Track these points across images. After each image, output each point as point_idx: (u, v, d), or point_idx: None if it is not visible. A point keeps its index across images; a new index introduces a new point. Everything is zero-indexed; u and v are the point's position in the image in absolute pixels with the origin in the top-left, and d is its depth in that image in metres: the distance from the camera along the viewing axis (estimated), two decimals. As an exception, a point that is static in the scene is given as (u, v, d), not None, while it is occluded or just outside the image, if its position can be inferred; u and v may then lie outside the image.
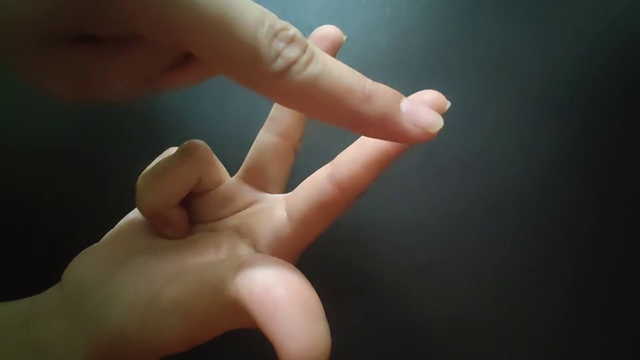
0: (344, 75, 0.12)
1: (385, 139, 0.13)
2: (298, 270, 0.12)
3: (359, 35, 0.27)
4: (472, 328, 0.25)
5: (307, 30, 0.17)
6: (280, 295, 0.10)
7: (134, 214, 0.19)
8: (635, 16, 0.26)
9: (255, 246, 0.17)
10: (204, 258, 0.16)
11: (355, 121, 0.12)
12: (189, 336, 0.13)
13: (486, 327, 0.25)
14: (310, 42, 0.16)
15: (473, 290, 0.25)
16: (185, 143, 0.17)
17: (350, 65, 0.12)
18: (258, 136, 0.19)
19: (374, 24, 0.27)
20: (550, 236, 0.25)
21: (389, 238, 0.26)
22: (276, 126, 0.19)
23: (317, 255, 0.25)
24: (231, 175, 0.20)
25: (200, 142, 0.18)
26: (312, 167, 0.16)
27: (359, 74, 0.12)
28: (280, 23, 0.11)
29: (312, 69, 0.11)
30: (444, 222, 0.26)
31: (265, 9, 0.11)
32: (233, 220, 0.18)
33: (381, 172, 0.14)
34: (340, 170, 0.14)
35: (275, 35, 0.11)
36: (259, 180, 0.19)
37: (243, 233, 0.17)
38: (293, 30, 0.12)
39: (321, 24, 0.17)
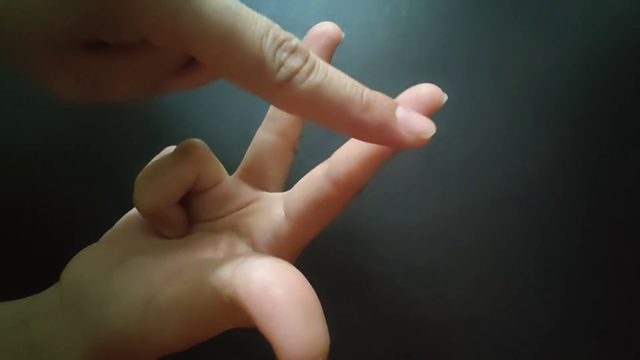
0: (343, 84, 0.12)
1: (382, 145, 0.13)
2: (297, 270, 0.12)
3: (359, 35, 0.27)
4: (471, 327, 0.25)
5: (306, 30, 0.17)
6: (278, 295, 0.10)
7: (133, 213, 0.19)
8: (634, 16, 0.25)
9: (253, 245, 0.17)
10: (202, 257, 0.16)
11: (355, 128, 0.12)
12: (188, 335, 0.13)
13: (485, 327, 0.25)
14: (308, 39, 0.17)
15: (472, 290, 0.25)
16: (184, 142, 0.17)
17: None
18: (256, 135, 0.19)
19: (373, 23, 0.27)
20: (549, 236, 0.25)
21: (389, 238, 0.26)
22: (274, 125, 0.19)
23: (317, 254, 0.25)
24: (230, 175, 0.19)
25: (198, 140, 0.18)
26: (311, 165, 0.16)
27: (357, 82, 0.13)
28: (283, 34, 0.12)
29: (314, 79, 0.12)
30: (443, 222, 0.26)
31: (269, 20, 0.12)
32: (231, 219, 0.18)
33: (378, 169, 0.14)
34: (337, 168, 0.14)
35: (279, 45, 0.12)
36: (258, 179, 0.19)
37: (241, 232, 0.17)
38: (295, 41, 0.12)
39: (321, 24, 0.17)
